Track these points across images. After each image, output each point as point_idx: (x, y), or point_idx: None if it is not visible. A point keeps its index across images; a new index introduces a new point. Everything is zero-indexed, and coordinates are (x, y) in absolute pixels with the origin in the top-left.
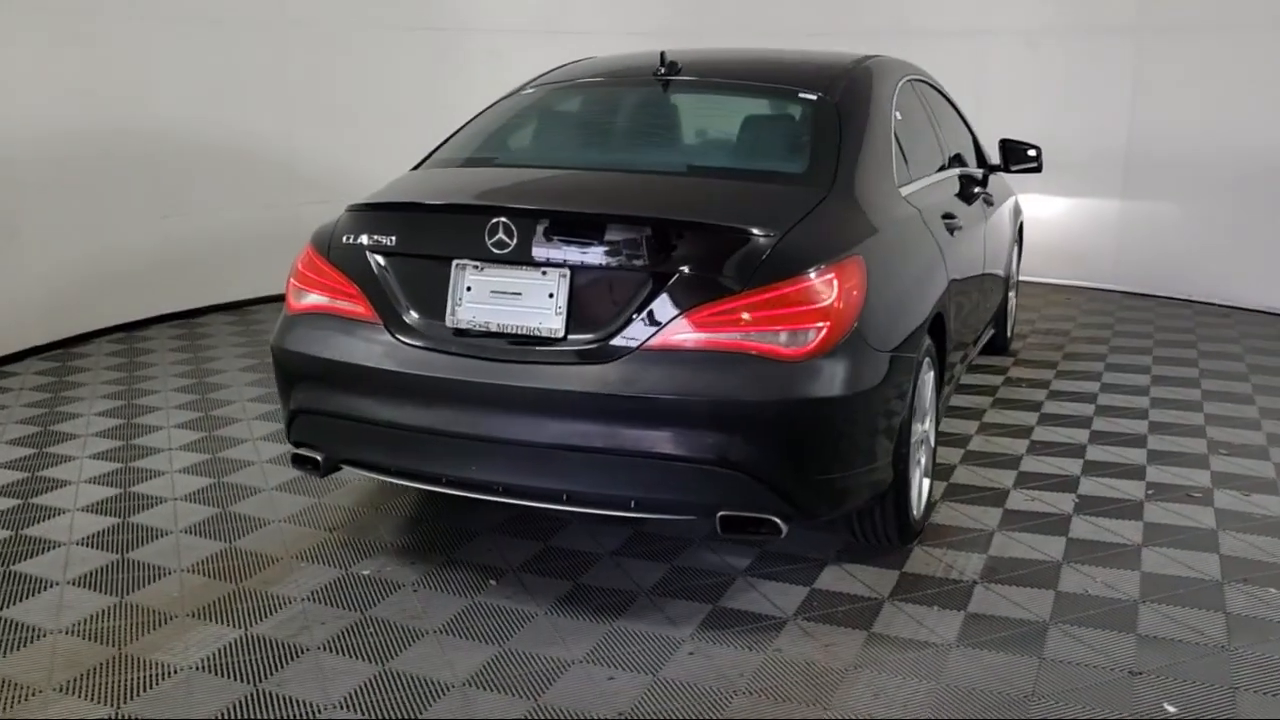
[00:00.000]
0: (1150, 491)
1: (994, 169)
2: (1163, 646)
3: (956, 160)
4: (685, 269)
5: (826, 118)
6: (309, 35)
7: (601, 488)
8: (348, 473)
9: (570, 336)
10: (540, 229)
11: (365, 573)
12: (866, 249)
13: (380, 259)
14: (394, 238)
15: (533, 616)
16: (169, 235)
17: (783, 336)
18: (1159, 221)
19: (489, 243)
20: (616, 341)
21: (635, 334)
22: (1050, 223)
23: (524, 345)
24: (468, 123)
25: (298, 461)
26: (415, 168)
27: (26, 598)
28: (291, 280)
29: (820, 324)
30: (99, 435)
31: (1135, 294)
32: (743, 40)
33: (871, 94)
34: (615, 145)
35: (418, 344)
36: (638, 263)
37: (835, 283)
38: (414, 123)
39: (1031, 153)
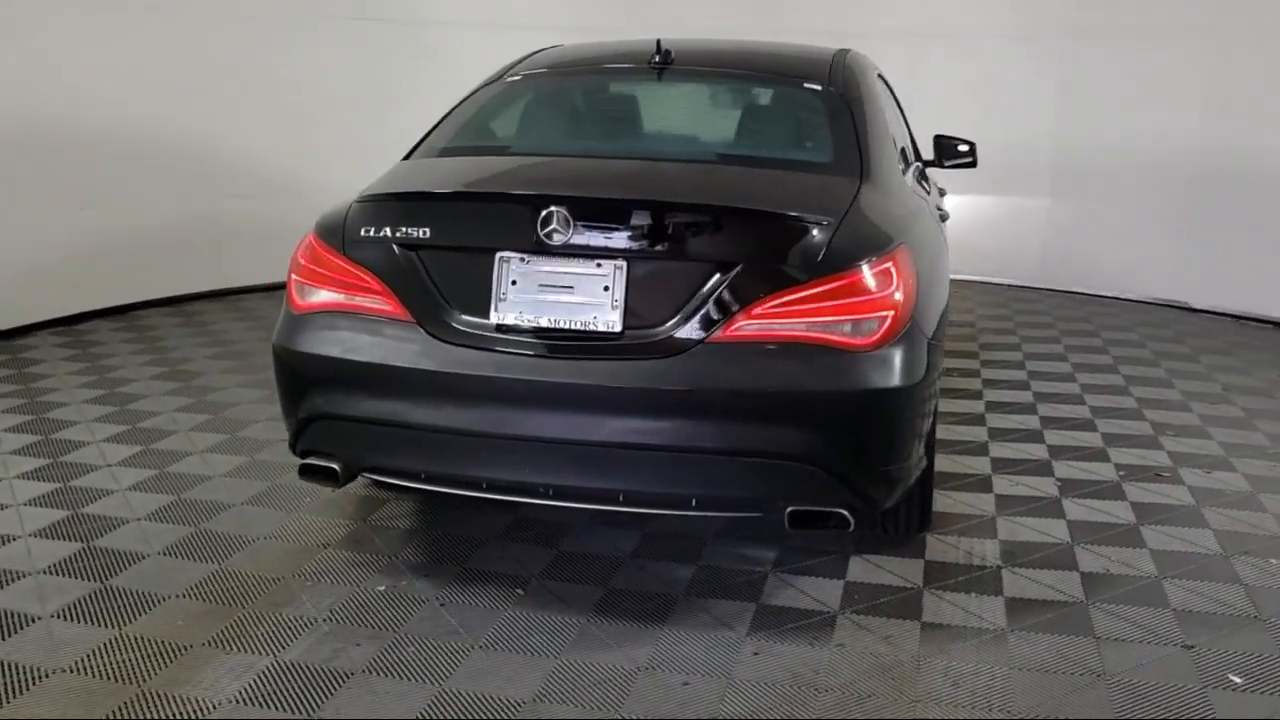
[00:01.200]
0: (1122, 473)
1: (928, 164)
2: (1201, 620)
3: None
4: (749, 259)
5: (836, 108)
6: (235, 22)
7: (662, 486)
8: (316, 487)
9: (628, 331)
10: (596, 218)
11: (380, 588)
12: (908, 237)
13: (411, 252)
14: (427, 229)
15: (575, 625)
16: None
17: (848, 327)
18: (1084, 220)
19: (541, 233)
20: (679, 335)
21: (699, 327)
22: (975, 222)
23: (576, 340)
24: (453, 110)
25: (308, 473)
26: (407, 157)
27: (9, 635)
28: (295, 276)
29: (884, 313)
30: (15, 453)
31: (1031, 289)
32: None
33: (865, 85)
34: (633, 133)
35: (456, 342)
36: (699, 253)
37: (894, 271)
38: (346, 115)
39: (964, 148)
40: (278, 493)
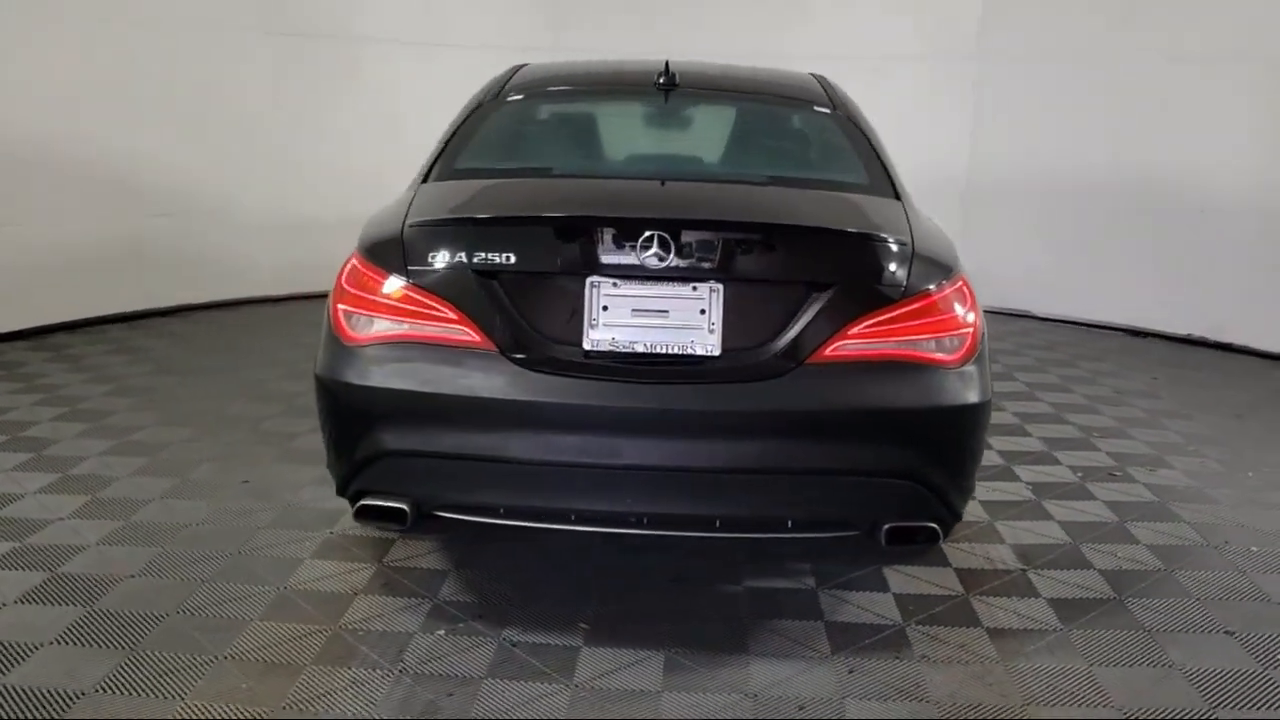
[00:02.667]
0: (1079, 474)
1: None
2: (1224, 605)
3: None
4: (843, 279)
5: (849, 129)
6: (151, 35)
7: (759, 510)
8: (314, 526)
9: (726, 354)
10: (695, 240)
11: (439, 632)
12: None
13: (490, 278)
14: (511, 254)
15: (659, 657)
16: None
17: (935, 344)
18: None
19: (642, 257)
20: (778, 357)
21: (797, 348)
22: None
23: (674, 365)
24: (458, 130)
25: (367, 515)
26: (425, 178)
27: (45, 707)
28: (344, 306)
29: (964, 330)
30: None
31: None
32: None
33: (857, 107)
34: (670, 154)
35: (546, 370)
36: (794, 274)
37: (966, 290)
38: (266, 131)
39: None
40: (269, 539)
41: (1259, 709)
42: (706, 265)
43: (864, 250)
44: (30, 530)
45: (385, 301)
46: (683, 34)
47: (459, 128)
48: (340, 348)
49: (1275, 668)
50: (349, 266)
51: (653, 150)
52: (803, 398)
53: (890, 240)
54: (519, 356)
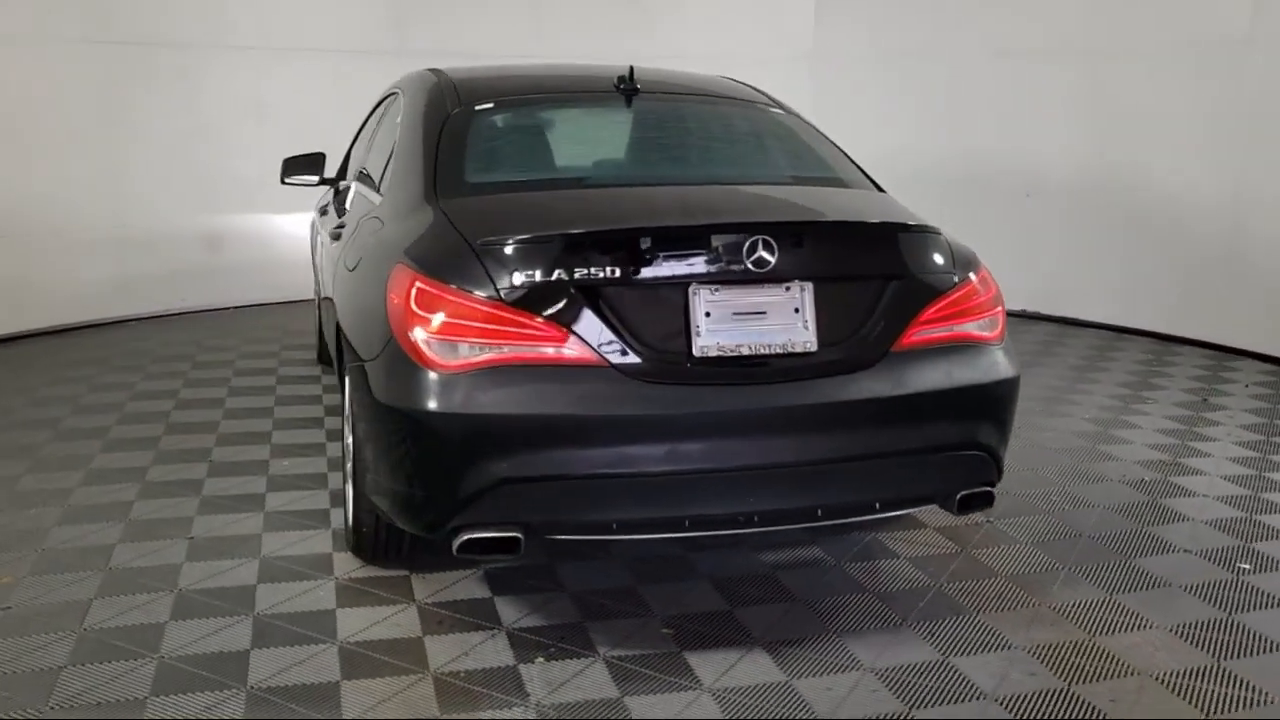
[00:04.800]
0: None
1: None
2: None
3: None
4: (911, 270)
5: (806, 128)
6: None
7: (856, 495)
8: (309, 574)
9: (822, 349)
10: (790, 243)
11: (539, 659)
12: None
13: (590, 293)
14: (612, 268)
15: (756, 649)
16: None
17: (984, 324)
18: None
19: (749, 261)
20: (867, 347)
21: (882, 338)
22: None
23: (777, 364)
24: (438, 146)
25: (472, 549)
26: (438, 193)
27: None
28: (427, 333)
29: (998, 310)
30: None
31: None
32: (442, 60)
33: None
34: (682, 159)
35: (657, 380)
36: (871, 269)
37: (988, 273)
38: (93, 144)
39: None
40: (283, 594)
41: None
42: (797, 266)
43: (923, 243)
44: None
45: (480, 325)
46: (545, 35)
47: (438, 141)
48: (429, 377)
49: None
50: (416, 290)
51: (657, 155)
52: (895, 383)
53: (935, 232)
54: (632, 369)
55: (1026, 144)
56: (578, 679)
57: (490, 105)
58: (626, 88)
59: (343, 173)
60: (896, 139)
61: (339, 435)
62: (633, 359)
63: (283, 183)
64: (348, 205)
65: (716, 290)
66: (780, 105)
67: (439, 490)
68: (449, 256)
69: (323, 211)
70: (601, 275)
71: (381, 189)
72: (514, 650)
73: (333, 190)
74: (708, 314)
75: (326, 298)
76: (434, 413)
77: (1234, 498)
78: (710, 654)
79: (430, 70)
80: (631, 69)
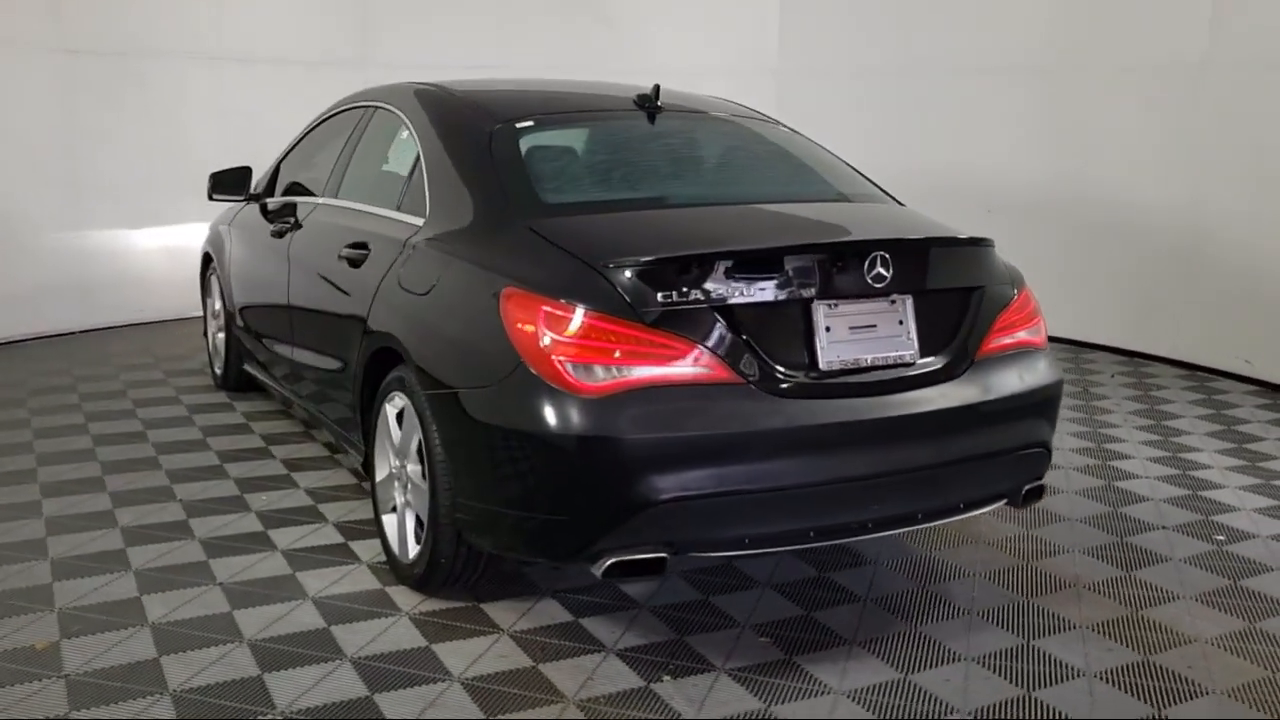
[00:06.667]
0: None
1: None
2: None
3: None
4: (984, 282)
5: (808, 144)
6: None
7: (950, 497)
8: (377, 613)
9: (921, 360)
10: (900, 259)
11: (665, 679)
12: None
13: (724, 312)
14: (746, 287)
15: (858, 652)
16: None
17: (1037, 330)
18: None
19: (869, 277)
20: (958, 355)
21: (968, 346)
22: None
23: (891, 374)
24: (487, 165)
25: (618, 572)
26: (502, 215)
27: None
28: (565, 358)
29: (1040, 317)
30: None
31: None
32: (406, 74)
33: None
34: (746, 178)
35: (790, 395)
36: (954, 280)
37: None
38: (45, 154)
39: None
40: (361, 638)
41: None
42: (901, 281)
43: (990, 256)
44: None
45: (621, 346)
46: (509, 49)
47: (491, 159)
48: (570, 400)
49: None
50: (546, 313)
51: (715, 174)
52: (983, 389)
53: (990, 244)
54: (767, 385)
55: (987, 161)
56: (715, 694)
57: (531, 123)
58: (650, 106)
59: (270, 189)
60: (860, 154)
61: (298, 465)
62: (766, 375)
63: (210, 199)
64: (305, 220)
65: (835, 305)
66: (782, 124)
67: (583, 515)
68: (575, 279)
69: (239, 226)
70: (734, 294)
71: (402, 207)
72: (635, 671)
73: (259, 206)
74: (828, 329)
75: (242, 310)
76: (581, 436)
77: (1171, 477)
78: (818, 658)
79: (426, 84)
80: (657, 87)
